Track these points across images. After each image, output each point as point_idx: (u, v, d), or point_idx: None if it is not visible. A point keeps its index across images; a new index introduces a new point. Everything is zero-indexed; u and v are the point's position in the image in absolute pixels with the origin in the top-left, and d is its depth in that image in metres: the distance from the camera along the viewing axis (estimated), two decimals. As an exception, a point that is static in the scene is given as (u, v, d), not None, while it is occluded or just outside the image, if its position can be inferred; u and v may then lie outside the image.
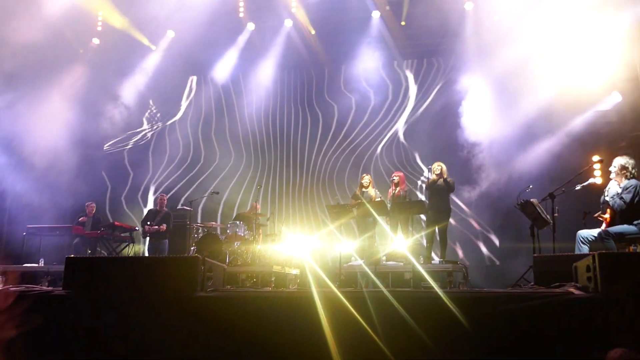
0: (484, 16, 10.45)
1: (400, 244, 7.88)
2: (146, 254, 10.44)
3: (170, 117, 13.49)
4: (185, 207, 10.04)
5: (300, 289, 6.37)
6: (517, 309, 3.33)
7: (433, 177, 8.07)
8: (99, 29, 12.14)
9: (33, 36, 10.05)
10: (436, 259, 8.21)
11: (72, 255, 4.37)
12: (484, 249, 11.03)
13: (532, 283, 5.28)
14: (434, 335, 3.31)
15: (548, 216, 6.70)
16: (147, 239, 9.97)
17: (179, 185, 12.83)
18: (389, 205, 8.24)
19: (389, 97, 12.34)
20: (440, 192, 8.05)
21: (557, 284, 3.92)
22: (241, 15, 12.06)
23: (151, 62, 12.67)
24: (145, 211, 12.26)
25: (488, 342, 3.28)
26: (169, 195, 11.64)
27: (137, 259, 5.68)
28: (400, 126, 12.18)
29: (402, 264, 7.73)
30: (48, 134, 10.93)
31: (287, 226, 10.51)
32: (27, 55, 10.34)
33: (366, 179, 8.68)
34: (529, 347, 3.26)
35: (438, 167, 8.09)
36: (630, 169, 5.90)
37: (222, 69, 12.90)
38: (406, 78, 12.42)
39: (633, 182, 5.80)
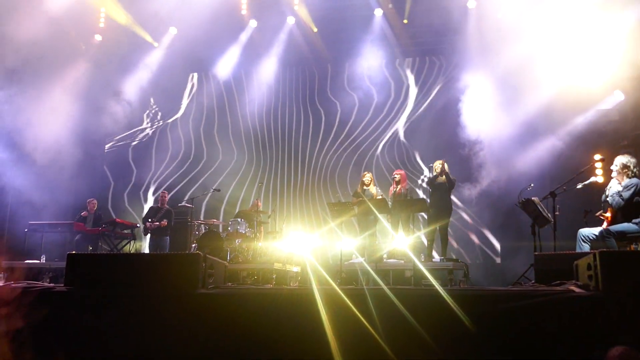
0: (486, 14, 10.43)
1: (401, 242, 7.88)
2: (146, 251, 10.45)
3: (172, 114, 13.49)
4: (186, 204, 10.05)
5: (301, 287, 6.38)
6: (517, 307, 3.33)
7: (435, 173, 8.08)
8: (102, 25, 12.13)
9: (35, 32, 10.04)
10: (437, 257, 8.22)
11: (74, 252, 4.37)
12: (484, 247, 11.03)
13: (533, 281, 5.28)
14: (435, 333, 3.31)
15: (549, 214, 6.70)
16: (148, 236, 9.98)
17: (181, 183, 12.84)
18: (390, 203, 8.24)
19: (391, 96, 12.33)
20: (441, 190, 8.06)
21: (558, 282, 3.93)
22: (243, 12, 12.05)
23: (153, 59, 12.66)
24: (146, 208, 12.30)
25: (488, 340, 3.29)
26: (171, 193, 11.69)
27: (139, 256, 5.69)
28: (402, 124, 12.18)
29: (403, 261, 7.74)
30: (49, 130, 10.93)
31: (288, 224, 10.51)
32: (29, 51, 10.33)
33: (367, 177, 8.68)
34: (529, 345, 3.26)
35: (439, 164, 8.09)
36: (631, 167, 5.89)
37: (224, 66, 12.89)
38: (409, 76, 12.40)
39: (634, 180, 5.80)
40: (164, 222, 9.75)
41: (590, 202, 6.89)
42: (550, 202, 6.69)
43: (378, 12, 11.77)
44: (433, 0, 10.96)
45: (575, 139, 9.69)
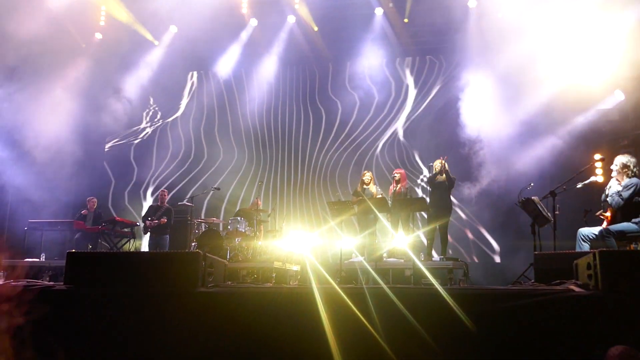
0: (487, 13, 10.42)
1: (401, 241, 7.88)
2: (145, 250, 10.46)
3: (173, 113, 13.49)
4: (186, 203, 10.05)
5: (300, 285, 6.38)
6: (517, 306, 3.33)
7: (435, 171, 8.08)
8: (102, 23, 12.13)
9: (36, 30, 10.04)
10: (437, 256, 8.22)
11: (74, 250, 4.37)
12: (484, 247, 11.03)
13: (532, 280, 5.29)
14: (434, 332, 3.31)
15: (549, 214, 6.69)
16: (148, 234, 9.98)
17: (182, 182, 12.84)
18: (390, 202, 8.24)
19: (391, 95, 12.33)
20: (441, 188, 8.06)
21: (558, 281, 3.93)
22: (244, 11, 12.04)
23: (154, 58, 12.66)
24: (146, 207, 12.30)
25: (488, 339, 3.29)
26: (172, 192, 11.70)
27: (138, 254, 5.70)
28: (402, 124, 12.18)
29: (402, 260, 7.74)
30: (50, 128, 10.94)
31: (288, 222, 10.51)
32: (29, 49, 10.33)
33: (367, 176, 8.68)
34: (529, 344, 3.26)
35: (439, 162, 8.09)
36: (631, 167, 5.89)
37: (225, 65, 12.89)
38: (409, 75, 12.40)
39: (634, 180, 5.80)
40: (164, 219, 9.75)
41: (590, 202, 6.90)
42: (550, 201, 6.69)
43: (378, 11, 11.77)
44: (434, 0, 10.95)
45: (575, 138, 9.69)
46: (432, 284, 5.39)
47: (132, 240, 10.28)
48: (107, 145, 13.41)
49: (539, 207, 6.73)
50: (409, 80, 12.35)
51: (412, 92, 12.28)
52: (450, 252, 9.53)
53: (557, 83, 9.55)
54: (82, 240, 9.65)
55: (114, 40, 11.93)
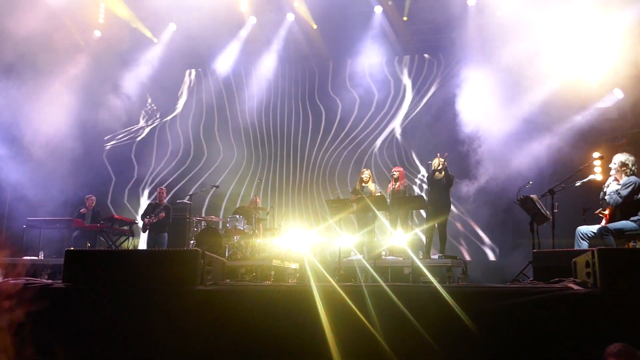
0: (486, 12, 10.42)
1: (400, 239, 7.88)
2: (142, 248, 10.44)
3: (172, 110, 13.47)
4: (185, 201, 10.04)
5: (299, 283, 6.39)
6: (516, 304, 3.34)
7: (434, 168, 8.08)
8: (101, 20, 12.10)
9: (34, 26, 10.02)
10: (436, 254, 8.22)
11: (72, 248, 4.37)
12: (483, 245, 11.04)
13: (531, 278, 5.29)
14: (433, 330, 3.32)
15: (548, 212, 6.70)
16: (146, 232, 9.97)
17: (182, 181, 12.82)
18: (388, 200, 8.24)
19: (390, 93, 12.33)
20: (440, 186, 8.06)
21: (557, 279, 3.93)
22: (243, 8, 12.02)
23: (153, 55, 12.65)
24: (143, 204, 12.29)
25: (487, 337, 3.29)
26: (172, 191, 11.68)
27: (137, 252, 5.69)
28: (401, 122, 12.18)
29: (401, 258, 7.73)
30: (48, 126, 10.92)
31: (286, 220, 10.50)
32: (28, 46, 10.31)
33: (366, 174, 8.68)
34: (528, 342, 3.27)
35: (438, 160, 8.09)
36: (630, 165, 5.90)
37: (224, 63, 12.88)
38: (407, 73, 12.39)
39: (633, 178, 5.81)
40: (162, 214, 9.75)
41: (589, 200, 6.89)
42: (549, 199, 6.69)
43: (378, 10, 11.75)
44: (433, -2, 10.99)
45: (574, 136, 9.69)
46: (430, 282, 5.39)
47: (130, 238, 10.26)
48: (106, 143, 13.38)
49: (538, 205, 6.73)
50: (408, 78, 12.35)
51: (411, 91, 12.27)
52: (451, 252, 9.53)
53: (556, 81, 9.55)
54: (81, 238, 9.63)
55: (113, 37, 11.91)
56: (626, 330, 3.08)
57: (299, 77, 13.03)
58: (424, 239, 8.85)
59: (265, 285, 5.01)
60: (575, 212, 6.82)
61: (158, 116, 13.49)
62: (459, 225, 11.13)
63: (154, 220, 9.69)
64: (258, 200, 9.88)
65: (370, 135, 12.26)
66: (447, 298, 3.36)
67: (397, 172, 8.56)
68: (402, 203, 8.07)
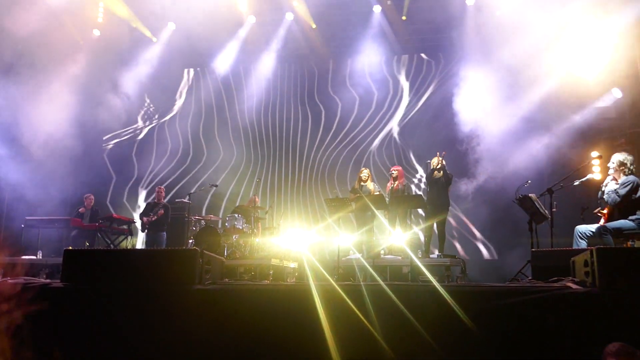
0: (485, 11, 10.43)
1: (399, 238, 7.88)
2: (139, 247, 10.42)
3: (171, 110, 13.45)
4: (184, 200, 10.03)
5: (298, 282, 6.39)
6: (515, 303, 3.34)
7: (433, 167, 8.08)
8: (100, 20, 12.08)
9: (34, 26, 10.01)
10: (434, 253, 8.22)
11: (70, 248, 4.36)
12: (481, 244, 11.05)
13: (530, 277, 5.29)
14: (432, 328, 3.32)
15: (546, 211, 6.71)
16: (145, 231, 9.96)
17: (183, 180, 12.78)
18: (387, 199, 8.24)
19: (389, 92, 12.33)
20: (438, 185, 8.06)
21: (555, 278, 3.93)
22: (242, 8, 12.00)
23: (152, 54, 12.62)
24: (141, 203, 12.28)
25: (486, 336, 3.29)
26: (172, 191, 11.67)
27: (136, 252, 5.69)
28: (400, 121, 12.18)
29: (400, 257, 7.74)
30: (46, 125, 10.90)
31: (285, 219, 10.50)
32: (27, 45, 10.29)
33: (365, 173, 8.68)
34: (526, 341, 3.27)
35: (436, 159, 8.09)
36: (628, 165, 5.91)
37: (223, 62, 12.86)
38: (406, 73, 12.39)
39: (631, 177, 5.81)
40: (161, 211, 9.74)
41: (587, 199, 6.90)
42: (548, 198, 6.70)
43: (377, 9, 11.74)
44: (432, -3, 10.99)
45: (572, 136, 9.71)
46: (429, 281, 5.40)
47: (129, 238, 10.25)
48: (105, 142, 13.36)
49: (536, 204, 6.74)
50: (407, 78, 12.35)
51: (410, 90, 12.27)
52: (450, 251, 9.54)
53: (554, 80, 9.57)
54: (79, 237, 9.62)
55: (112, 37, 11.90)
56: (625, 330, 3.09)
57: (298, 77, 13.02)
58: (422, 238, 8.85)
59: (264, 284, 5.01)
60: (574, 211, 6.83)
61: (157, 116, 13.47)
62: (457, 224, 11.13)
63: (153, 219, 9.68)
64: (257, 199, 9.87)
65: (370, 135, 12.25)
66: (446, 297, 3.36)
67: (396, 171, 8.56)
68: (401, 202, 8.08)
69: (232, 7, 11.78)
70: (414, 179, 11.68)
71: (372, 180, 8.83)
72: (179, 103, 13.46)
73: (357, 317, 3.41)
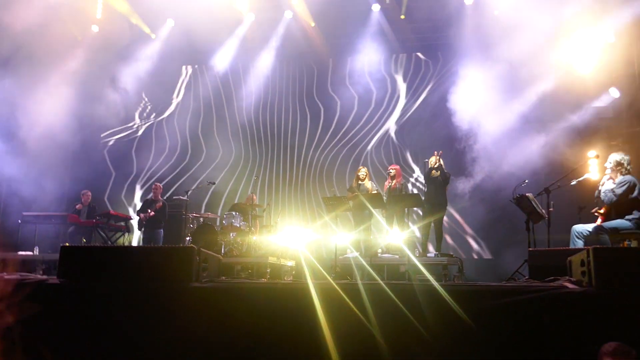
0: (483, 11, 10.43)
1: (396, 237, 7.89)
2: (135, 244, 10.40)
3: (169, 107, 13.41)
4: (181, 197, 10.02)
5: (295, 281, 6.38)
6: (511, 303, 3.35)
7: (430, 166, 8.09)
8: (99, 16, 12.04)
9: (32, 21, 9.97)
10: (432, 252, 8.23)
11: (67, 244, 4.36)
12: (478, 243, 11.06)
13: (526, 277, 5.31)
14: (430, 327, 3.32)
15: (543, 210, 6.72)
16: (142, 228, 9.95)
17: (182, 178, 12.75)
18: (385, 197, 8.24)
19: (388, 91, 12.33)
20: (436, 184, 8.06)
21: (552, 278, 3.94)
22: (241, 5, 11.96)
23: (150, 51, 12.59)
24: (137, 201, 12.26)
25: (482, 335, 3.30)
26: (171, 189, 11.65)
27: (132, 249, 5.67)
28: (398, 120, 12.18)
29: (397, 256, 7.75)
30: (44, 120, 10.87)
31: (283, 217, 10.50)
32: (25, 40, 10.26)
33: (363, 172, 8.68)
34: (523, 340, 3.28)
35: (434, 158, 8.09)
36: (625, 165, 5.94)
37: (222, 60, 12.83)
38: (404, 72, 12.39)
39: (628, 177, 5.84)
40: (160, 204, 9.73)
41: (584, 199, 6.93)
42: (545, 198, 6.72)
43: (375, 7, 11.73)
44: (430, -4, 10.99)
45: (569, 135, 9.72)
46: (427, 280, 5.40)
47: (126, 234, 10.24)
48: (103, 139, 13.32)
49: (534, 203, 6.75)
50: (405, 76, 12.35)
51: (409, 89, 12.27)
52: (447, 250, 9.55)
53: (552, 80, 9.58)
54: (76, 233, 9.60)
55: (111, 33, 11.86)
56: (621, 329, 3.09)
57: (296, 75, 13.00)
58: (420, 236, 8.86)
59: (262, 282, 5.01)
60: (571, 211, 6.84)
61: (155, 113, 13.43)
62: (454, 223, 11.14)
63: (151, 214, 9.66)
64: (254, 197, 9.86)
65: (369, 134, 12.25)
66: (443, 296, 3.37)
67: (394, 170, 8.56)
68: (399, 201, 8.08)
69: (231, 5, 11.75)
70: (410, 179, 11.69)
71: (370, 179, 8.83)
72: (177, 100, 13.43)
73: (355, 316, 3.41)
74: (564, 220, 6.72)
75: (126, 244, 10.08)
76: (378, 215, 8.19)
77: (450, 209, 10.76)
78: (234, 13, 11.99)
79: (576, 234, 5.90)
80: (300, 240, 8.49)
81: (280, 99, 12.93)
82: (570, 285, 3.46)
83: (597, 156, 7.56)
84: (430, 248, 8.70)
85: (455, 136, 10.69)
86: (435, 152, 8.14)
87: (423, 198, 8.25)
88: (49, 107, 10.96)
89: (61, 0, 10.62)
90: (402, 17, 11.62)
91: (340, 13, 11.76)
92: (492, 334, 3.31)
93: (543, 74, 9.62)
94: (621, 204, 5.81)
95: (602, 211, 5.97)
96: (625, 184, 5.78)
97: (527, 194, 6.85)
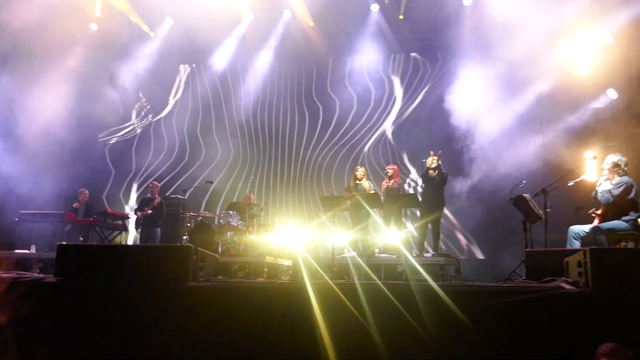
0: (482, 11, 10.43)
1: (393, 237, 7.89)
2: (130, 243, 10.38)
3: (167, 106, 13.39)
4: (178, 196, 9.99)
5: (292, 280, 6.38)
6: (508, 303, 3.35)
7: (428, 166, 8.08)
8: (98, 14, 12.01)
9: (31, 18, 9.95)
10: (429, 252, 8.23)
11: (64, 243, 4.35)
12: (475, 243, 11.07)
13: (523, 277, 5.31)
14: (427, 327, 3.32)
15: (540, 211, 6.73)
16: (140, 227, 9.93)
17: (180, 178, 12.73)
18: (382, 197, 8.24)
19: (386, 91, 12.33)
20: (433, 184, 8.06)
21: (549, 278, 3.95)
22: (240, 4, 11.94)
23: (149, 50, 12.56)
24: (133, 199, 12.24)
25: (479, 335, 3.30)
26: (171, 188, 11.62)
27: (129, 247, 5.67)
28: (396, 121, 12.18)
29: (394, 256, 7.75)
30: (42, 118, 10.85)
31: (280, 217, 10.49)
32: (24, 37, 10.23)
33: (360, 171, 8.67)
34: (520, 340, 3.28)
35: (431, 159, 8.09)
36: (622, 166, 5.96)
37: (220, 59, 12.81)
38: (402, 72, 12.39)
39: (625, 178, 5.86)
40: (157, 199, 9.72)
41: (582, 200, 6.94)
42: (542, 198, 6.73)
43: (374, 8, 11.73)
44: (429, -4, 10.99)
45: (567, 136, 9.74)
46: (424, 280, 5.41)
47: (123, 233, 10.22)
48: (101, 138, 13.29)
49: (531, 204, 6.76)
50: (404, 76, 12.34)
51: (407, 89, 12.28)
52: (443, 247, 9.55)
53: (550, 81, 9.58)
54: (73, 232, 9.57)
55: (110, 31, 11.82)
56: (618, 330, 3.10)
57: (295, 75, 12.99)
58: (417, 236, 8.86)
59: (259, 282, 5.01)
60: (568, 212, 6.85)
61: (153, 112, 13.41)
62: (451, 223, 11.15)
63: (149, 212, 9.64)
64: (252, 196, 9.85)
65: (368, 134, 12.25)
66: (440, 296, 3.37)
67: (392, 170, 8.56)
68: (396, 200, 8.08)
69: (230, 4, 11.73)
70: (407, 179, 11.68)
71: (368, 179, 8.83)
72: (176, 99, 13.41)
73: (352, 316, 3.41)
74: (561, 221, 6.74)
75: (123, 242, 10.06)
76: (375, 215, 8.19)
77: (448, 209, 10.75)
78: (233, 12, 11.97)
79: (573, 234, 5.91)
80: (298, 240, 8.49)
81: (278, 98, 12.92)
82: (567, 286, 3.47)
83: (595, 157, 7.58)
84: (428, 248, 8.69)
85: (453, 136, 10.70)
86: (432, 152, 8.14)
87: (420, 198, 8.25)
88: (47, 105, 10.94)
89: (60, -1, 10.61)
90: (401, 17, 11.62)
91: (339, 13, 11.74)
92: (489, 334, 3.31)
93: (541, 75, 9.63)
94: (618, 205, 5.83)
95: (599, 212, 5.99)
96: (622, 185, 5.79)
97: (524, 195, 6.86)
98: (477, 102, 10.23)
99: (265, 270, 7.66)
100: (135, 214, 9.90)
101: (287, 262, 8.68)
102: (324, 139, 12.45)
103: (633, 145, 8.96)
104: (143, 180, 12.89)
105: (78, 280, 4.03)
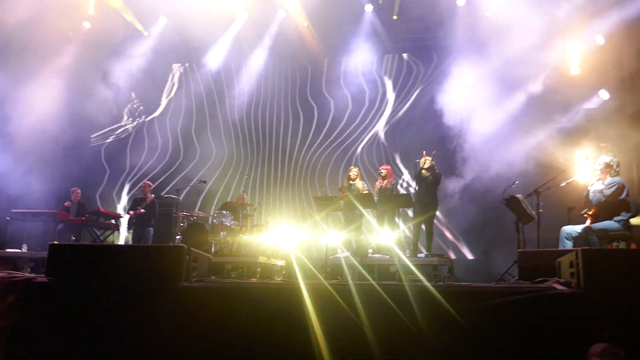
0: (475, 12, 10.47)
1: (387, 237, 7.89)
2: (121, 243, 10.33)
3: (161, 106, 13.34)
4: (171, 196, 9.95)
5: (286, 280, 6.38)
6: (501, 304, 3.36)
7: (421, 164, 8.09)
8: (91, 12, 11.94)
9: (23, 16, 9.88)
10: (422, 252, 8.24)
11: (56, 242, 4.32)
12: (468, 244, 11.10)
13: (516, 278, 5.34)
14: (421, 327, 3.33)
15: (533, 212, 6.76)
16: (132, 227, 9.88)
17: (175, 178, 12.68)
18: (376, 197, 8.24)
19: (379, 92, 12.35)
20: (427, 184, 8.06)
21: (541, 279, 3.97)
22: (234, 4, 11.90)
23: (142, 49, 12.51)
24: (125, 199, 12.19)
25: (472, 335, 3.31)
26: (166, 189, 11.57)
27: (122, 247, 5.65)
28: (389, 121, 12.20)
29: (388, 256, 7.75)
30: (34, 117, 10.78)
31: (274, 217, 10.47)
32: (15, 35, 10.16)
33: (354, 171, 8.67)
34: (512, 340, 3.29)
35: (424, 159, 8.09)
36: (614, 167, 6.00)
37: (214, 58, 12.78)
38: (397, 72, 12.42)
39: (617, 179, 5.90)
40: (151, 196, 9.68)
41: (574, 200, 6.98)
42: (534, 199, 6.76)
43: (368, 8, 11.74)
44: (423, -3, 11.01)
45: (559, 137, 9.79)
46: (417, 280, 5.42)
47: (116, 232, 10.16)
48: (94, 137, 13.21)
49: (523, 205, 6.79)
50: (398, 77, 12.37)
51: (400, 90, 12.30)
52: (438, 249, 9.57)
53: (542, 82, 9.64)
54: (65, 231, 9.50)
55: (103, 29, 11.76)
56: (610, 330, 3.12)
57: (289, 74, 12.98)
58: (410, 236, 8.87)
59: (252, 282, 5.00)
60: (560, 212, 6.89)
61: (147, 112, 13.35)
62: (444, 223, 11.18)
63: (141, 211, 9.59)
64: (245, 196, 9.83)
65: (362, 134, 12.26)
66: (434, 296, 3.37)
67: (385, 170, 8.56)
68: (390, 201, 8.08)
69: (224, 3, 11.70)
70: (400, 180, 11.71)
71: (362, 179, 8.83)
72: (169, 98, 13.36)
73: (346, 316, 3.41)
74: (553, 221, 6.77)
75: (116, 242, 10.01)
76: (369, 215, 8.19)
77: (441, 209, 10.78)
78: (227, 11, 11.93)
79: (565, 235, 5.95)
80: (291, 240, 8.47)
81: (272, 98, 12.91)
82: (559, 287, 3.49)
83: (587, 158, 7.62)
84: (421, 248, 8.71)
85: (446, 136, 10.73)
86: (424, 152, 8.15)
87: (414, 198, 8.26)
88: (39, 103, 10.87)
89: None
90: (395, 17, 11.64)
91: (333, 13, 11.72)
92: (482, 335, 3.32)
93: (534, 76, 9.69)
94: (610, 206, 5.86)
95: (590, 212, 6.02)
96: (614, 185, 5.83)
97: (517, 195, 6.89)
98: (470, 102, 10.26)
99: (259, 270, 7.65)
100: (128, 213, 9.85)
101: (281, 262, 8.66)
102: (318, 139, 12.45)
103: (625, 146, 9.02)
104: (137, 180, 12.83)
105: (70, 280, 4.00)
